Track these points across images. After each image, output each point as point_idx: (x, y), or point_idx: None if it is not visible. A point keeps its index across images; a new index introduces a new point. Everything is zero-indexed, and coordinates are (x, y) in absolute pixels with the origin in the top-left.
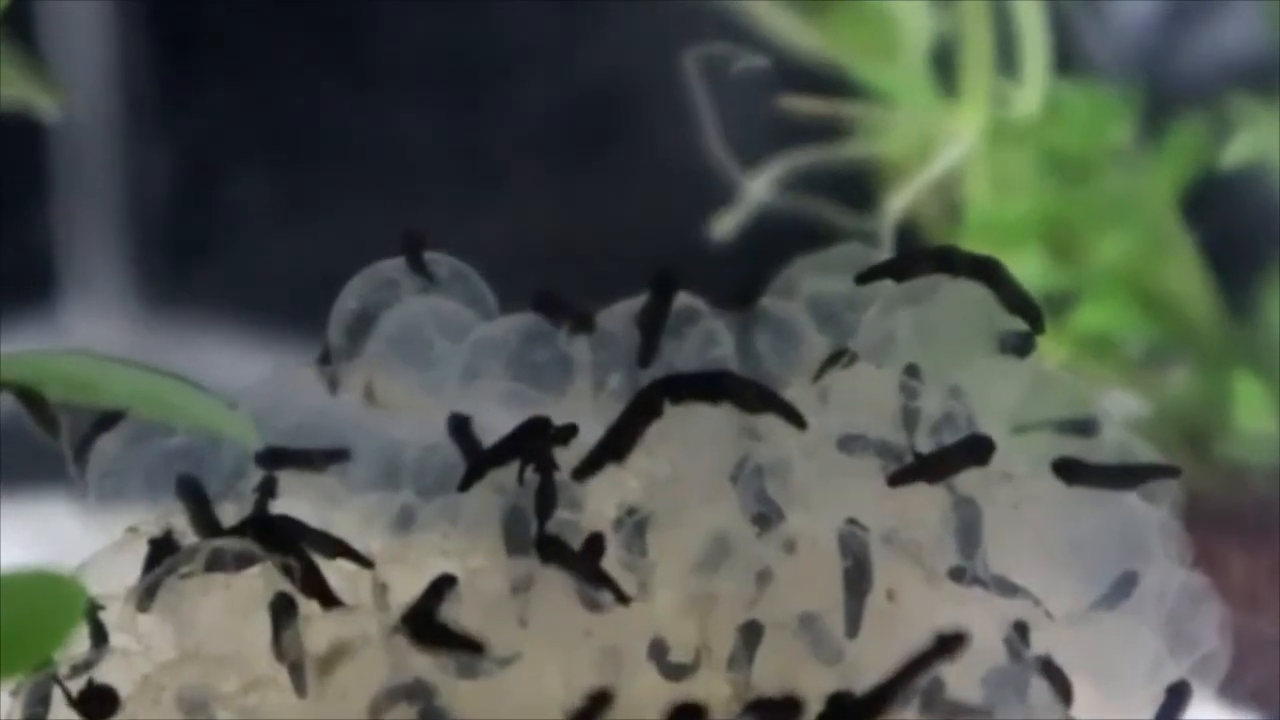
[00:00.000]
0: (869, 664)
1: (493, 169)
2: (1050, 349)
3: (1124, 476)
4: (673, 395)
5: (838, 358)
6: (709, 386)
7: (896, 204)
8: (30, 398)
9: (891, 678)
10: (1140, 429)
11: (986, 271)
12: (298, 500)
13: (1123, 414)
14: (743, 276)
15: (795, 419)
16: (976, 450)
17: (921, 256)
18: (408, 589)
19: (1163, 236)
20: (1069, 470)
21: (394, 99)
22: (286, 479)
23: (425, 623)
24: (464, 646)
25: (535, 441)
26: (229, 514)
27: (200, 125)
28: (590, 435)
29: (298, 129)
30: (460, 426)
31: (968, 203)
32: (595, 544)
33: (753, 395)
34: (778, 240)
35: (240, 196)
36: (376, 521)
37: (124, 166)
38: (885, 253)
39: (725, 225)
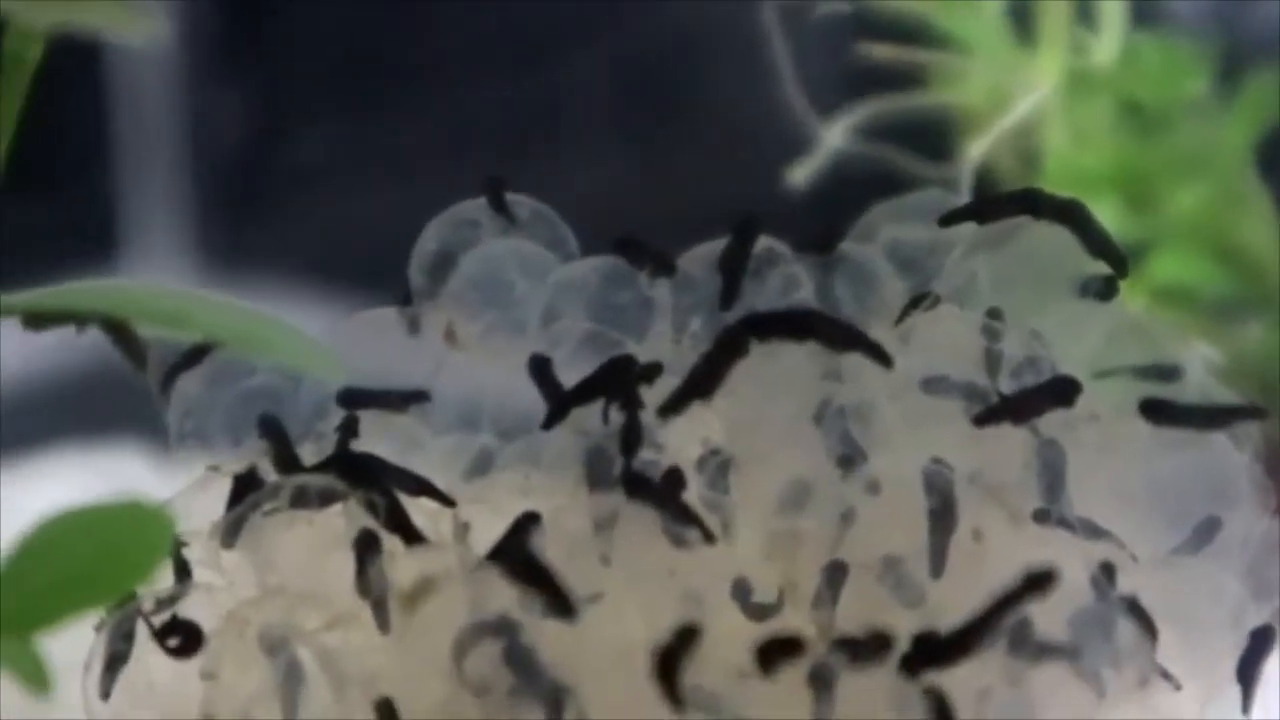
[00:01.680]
0: (952, 605)
1: (571, 120)
2: (1126, 299)
3: (1212, 417)
4: (759, 333)
5: (920, 300)
6: (795, 324)
7: (974, 151)
8: (118, 330)
9: (980, 616)
10: (1215, 379)
11: (1070, 215)
12: (377, 442)
13: (1200, 363)
14: (821, 224)
15: (881, 358)
16: (1062, 391)
17: (1005, 199)
18: (489, 529)
19: (1237, 189)
20: (1156, 411)
21: (468, 51)
22: (366, 420)
23: (514, 558)
24: (554, 583)
25: (620, 380)
26: (309, 454)
27: (265, 83)
28: (670, 378)
29: (367, 85)
30: (540, 367)
31: (1045, 152)
32: (676, 479)
33: (839, 333)
34: (855, 188)
35: (304, 154)
36: (456, 462)
37: (187, 123)
38: (964, 200)
39: (802, 173)
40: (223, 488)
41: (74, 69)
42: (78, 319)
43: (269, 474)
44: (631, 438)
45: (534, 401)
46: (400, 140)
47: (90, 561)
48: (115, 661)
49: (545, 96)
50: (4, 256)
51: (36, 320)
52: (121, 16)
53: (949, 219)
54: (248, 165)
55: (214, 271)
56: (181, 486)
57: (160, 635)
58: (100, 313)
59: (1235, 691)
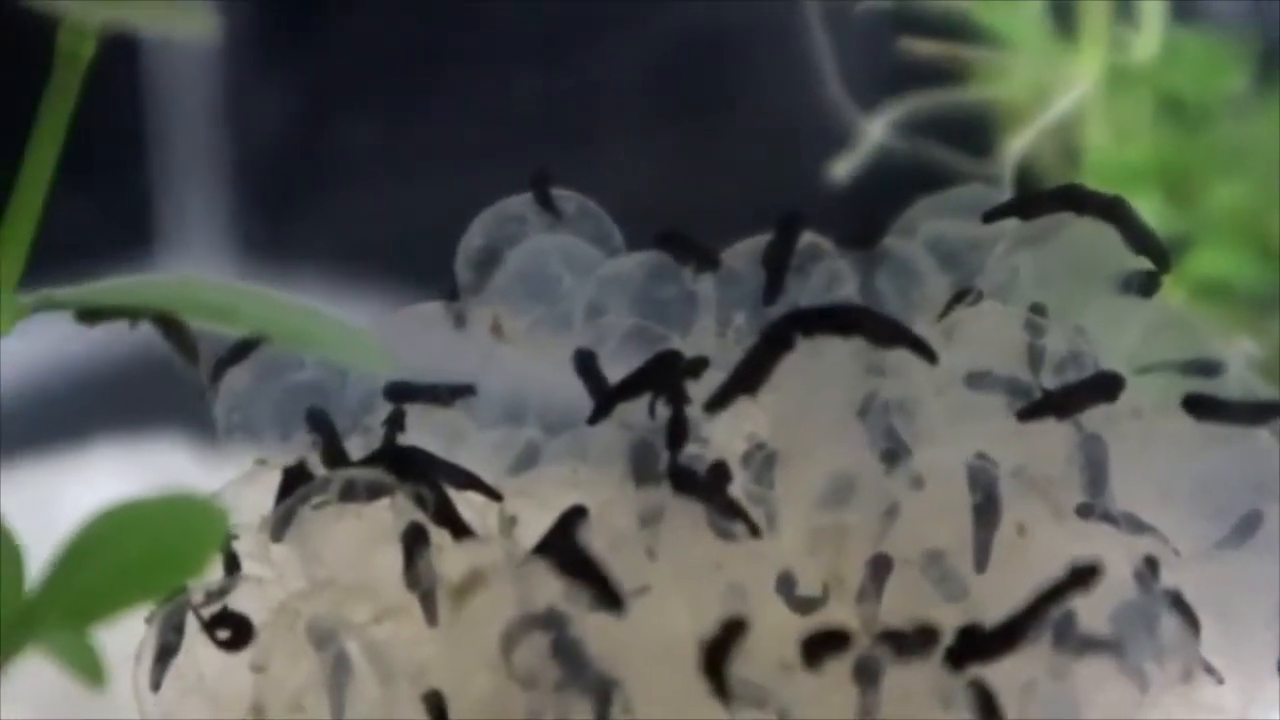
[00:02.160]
0: (996, 600)
1: (615, 116)
2: (1166, 293)
3: (1255, 413)
4: (804, 328)
5: (963, 296)
6: (841, 320)
7: (1016, 147)
8: (170, 324)
9: (1025, 609)
10: (1256, 374)
11: (1112, 210)
12: (423, 435)
13: (1240, 359)
14: (863, 219)
15: (927, 353)
16: (1105, 386)
17: (1048, 195)
18: (535, 523)
19: (1277, 183)
20: (1199, 406)
21: (511, 45)
22: (412, 414)
23: (562, 551)
24: (602, 576)
25: (667, 374)
26: (356, 448)
27: (306, 76)
28: (715, 373)
29: (409, 79)
30: (586, 362)
31: (1086, 147)
32: (721, 473)
33: (884, 329)
34: (897, 183)
35: (345, 148)
36: (502, 457)
37: (226, 117)
38: (1005, 195)
39: (844, 168)
40: (270, 481)
41: (113, 62)
42: (130, 314)
43: (317, 467)
44: (677, 432)
45: (579, 396)
46: (442, 135)
47: (144, 555)
48: (165, 653)
49: (589, 91)
50: (43, 250)
51: (90, 315)
52: (173, 14)
53: (992, 215)
54: (287, 159)
55: (253, 266)
56: (226, 480)
57: (210, 628)
58: (152, 307)
59: (1278, 685)
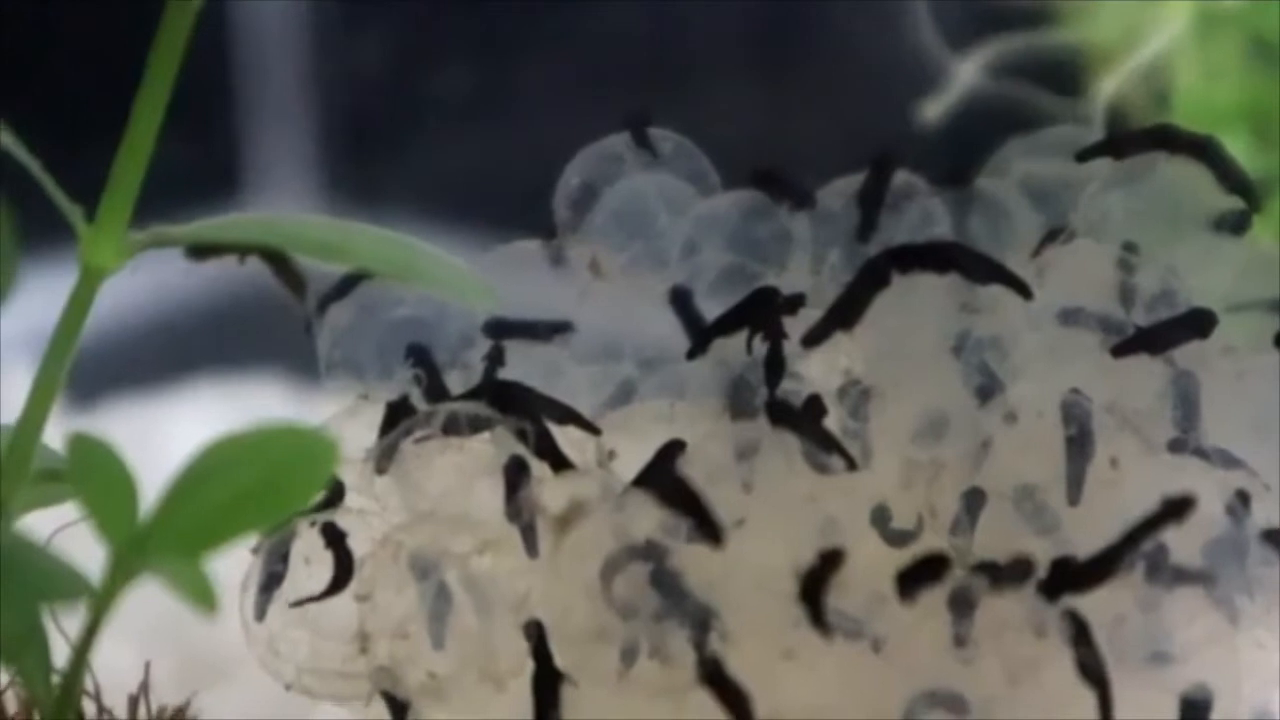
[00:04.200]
0: (1087, 533)
1: (710, 56)
2: (1256, 232)
3: None
4: (901, 265)
5: (1055, 235)
6: (937, 256)
7: (1106, 89)
8: (278, 261)
9: (1118, 541)
10: None
11: (1204, 150)
12: (521, 371)
13: None
14: (955, 159)
15: (1021, 288)
16: (1198, 322)
17: (1140, 134)
18: (632, 457)
19: None
20: None
21: None
22: (511, 350)
23: (663, 483)
24: (703, 507)
25: (764, 310)
26: (455, 383)
27: (393, 19)
28: (811, 310)
29: (500, 21)
30: (682, 300)
31: (1176, 89)
32: (817, 406)
33: (980, 266)
34: (989, 124)
35: (433, 92)
36: (599, 392)
37: (313, 61)
38: (1096, 136)
39: (935, 109)
40: (371, 416)
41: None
42: (239, 249)
43: (419, 402)
44: (775, 367)
45: (675, 333)
46: (534, 78)
47: (255, 484)
48: (271, 583)
49: (685, 31)
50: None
51: (201, 251)
52: None
53: (1085, 154)
54: (376, 104)
55: (340, 213)
56: (326, 416)
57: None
58: (261, 243)
59: None
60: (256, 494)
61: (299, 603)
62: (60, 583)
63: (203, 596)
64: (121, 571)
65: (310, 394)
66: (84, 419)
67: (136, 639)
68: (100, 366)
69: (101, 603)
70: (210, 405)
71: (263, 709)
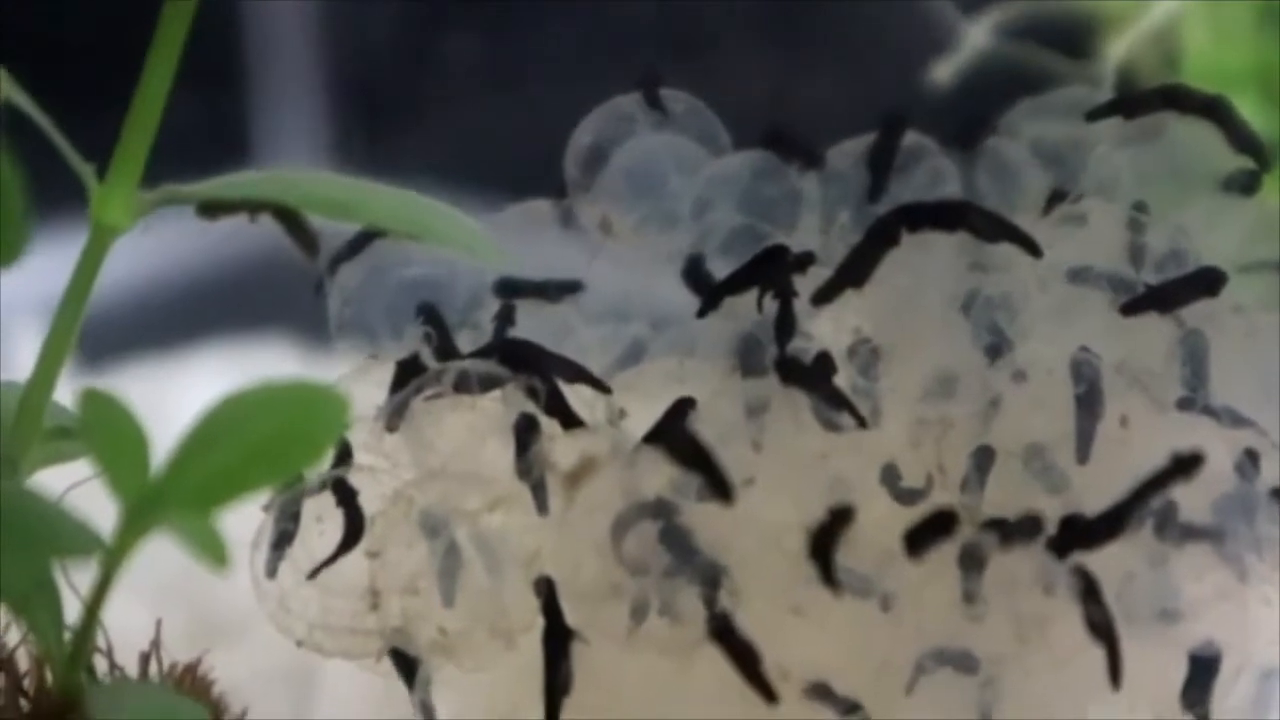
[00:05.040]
0: (1096, 491)
1: (721, 16)
2: (1266, 192)
3: None
4: (911, 223)
5: (1063, 195)
6: (947, 215)
7: (1117, 50)
8: (290, 219)
9: (1127, 497)
10: None
11: (1213, 110)
12: (532, 331)
13: None
14: (966, 120)
15: (1031, 248)
16: (1207, 281)
17: (1149, 94)
18: (642, 416)
19: None
20: None
21: None
22: (521, 310)
23: (674, 440)
24: (713, 464)
25: (774, 268)
26: (465, 343)
27: None
28: (821, 269)
29: None
30: (692, 259)
31: (1186, 51)
32: (826, 363)
33: (990, 224)
34: (999, 85)
35: (445, 61)
36: (609, 351)
37: (324, 30)
38: (1106, 98)
39: (946, 71)
40: (381, 376)
41: None
42: (251, 207)
43: (429, 361)
44: (785, 325)
45: (685, 293)
46: (545, 46)
47: (267, 439)
48: (282, 541)
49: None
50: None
51: (212, 209)
52: None
53: (1095, 114)
54: (387, 67)
55: (350, 175)
56: (336, 377)
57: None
58: (273, 201)
59: None
60: (268, 450)
61: (314, 572)
62: (72, 538)
63: (214, 552)
64: (133, 527)
65: (320, 357)
66: (95, 382)
67: (148, 598)
68: (111, 330)
69: (113, 558)
70: (221, 369)
71: (274, 666)
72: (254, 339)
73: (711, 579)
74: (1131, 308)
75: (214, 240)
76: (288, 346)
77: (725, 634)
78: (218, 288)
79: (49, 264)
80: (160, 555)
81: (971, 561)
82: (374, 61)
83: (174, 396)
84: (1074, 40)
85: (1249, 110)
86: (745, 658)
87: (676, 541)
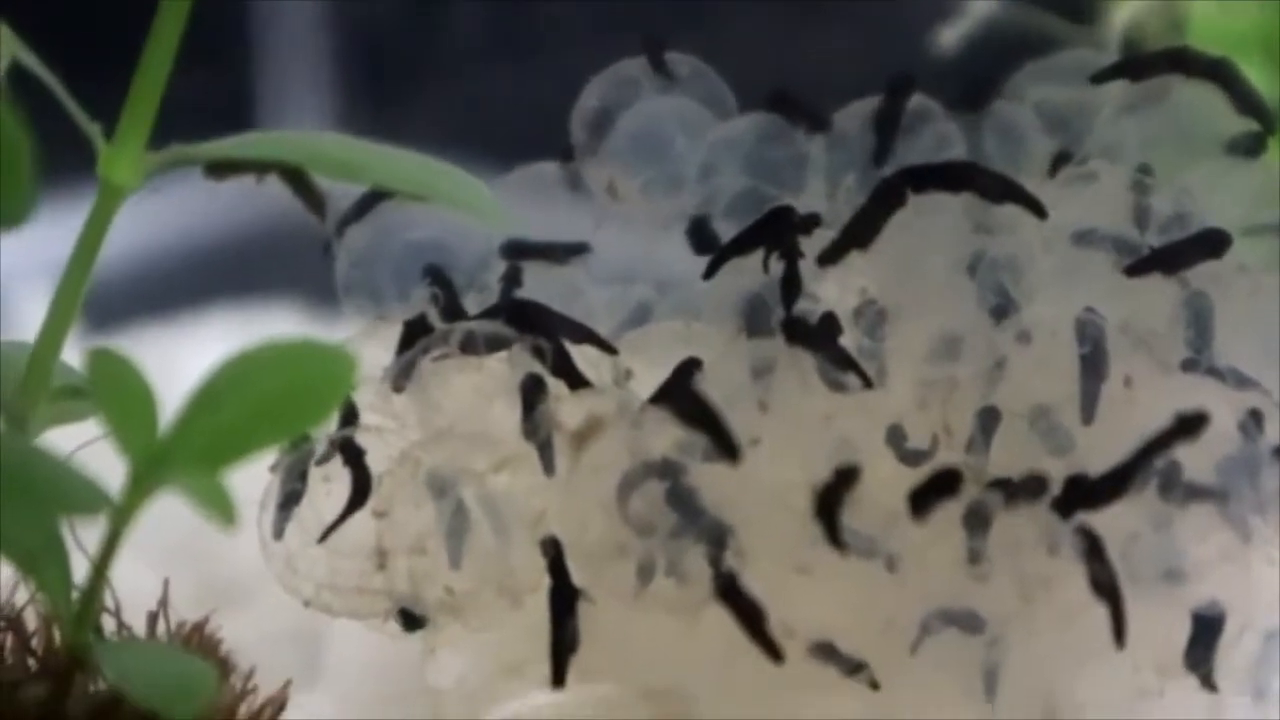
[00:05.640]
0: (1101, 452)
1: None
2: (1271, 155)
3: None
4: (916, 184)
5: (1068, 158)
6: (952, 176)
7: (1122, 14)
8: (297, 179)
9: (1132, 456)
10: None
11: (1218, 72)
12: (538, 293)
13: None
14: (972, 84)
15: (1036, 209)
16: (1212, 243)
17: (1155, 56)
18: (649, 377)
19: None
20: None
21: None
22: (528, 272)
23: (681, 400)
24: (719, 423)
25: (780, 229)
26: (471, 306)
27: None
28: (827, 232)
29: None
30: (698, 222)
31: (1192, 14)
32: (831, 324)
33: (995, 185)
34: (1005, 49)
35: (449, 27)
36: (616, 313)
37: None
38: (1112, 60)
39: (952, 35)
40: (388, 337)
41: None
42: (258, 167)
43: (437, 322)
44: (791, 286)
45: (691, 255)
46: (550, 15)
47: (274, 397)
48: (289, 501)
49: None
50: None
51: (219, 169)
52: None
53: (1100, 76)
54: (393, 33)
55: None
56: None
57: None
58: (280, 161)
59: None
60: (276, 408)
61: (324, 535)
62: (80, 495)
63: (222, 510)
64: (141, 485)
65: (327, 321)
66: None
67: (155, 559)
68: (118, 297)
69: (121, 516)
70: (227, 333)
71: (281, 629)
72: (260, 305)
73: (717, 539)
74: (1136, 269)
75: (220, 206)
76: (294, 312)
77: (731, 593)
78: (224, 254)
79: (54, 230)
80: (167, 518)
81: (976, 522)
82: (380, 27)
83: (181, 362)
84: (1079, 4)
85: (1254, 73)
86: (751, 617)
87: (682, 501)
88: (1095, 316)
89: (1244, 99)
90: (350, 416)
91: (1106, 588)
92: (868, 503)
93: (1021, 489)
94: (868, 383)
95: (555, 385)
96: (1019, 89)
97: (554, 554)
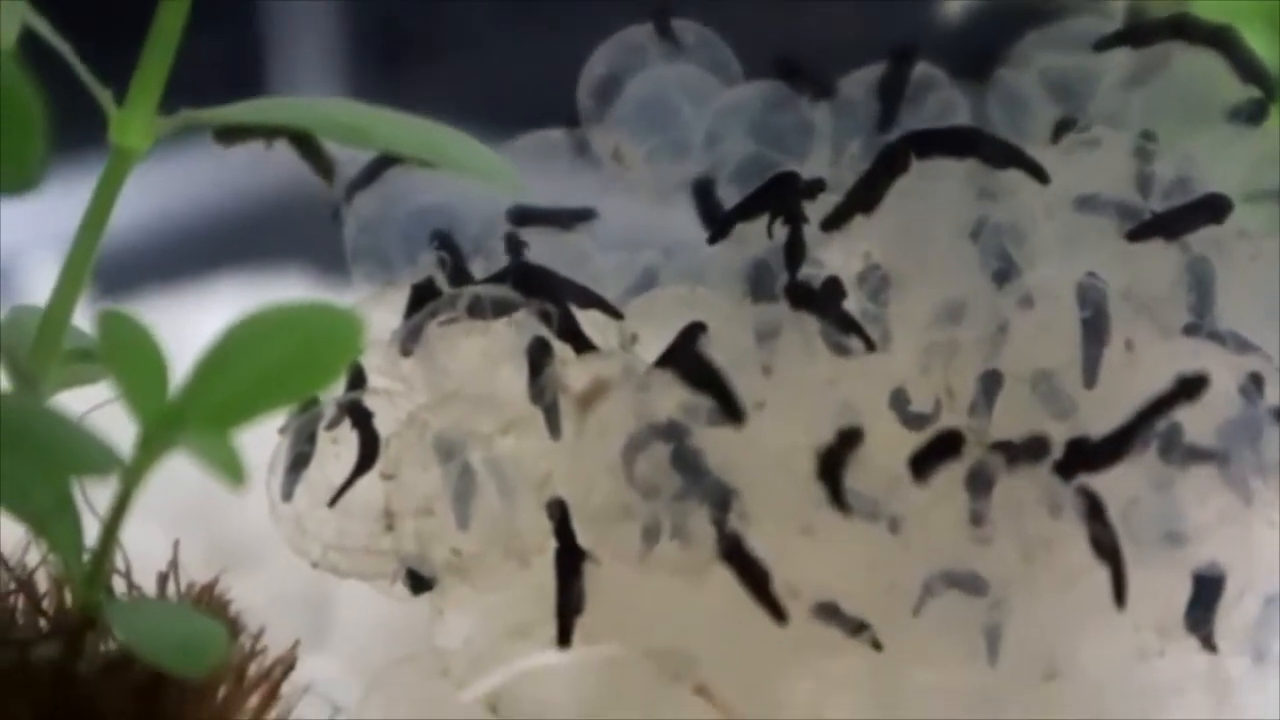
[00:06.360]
0: (1103, 415)
1: None
2: (1273, 121)
3: None
4: (920, 149)
5: (1071, 124)
6: (956, 141)
7: None
8: (306, 144)
9: (1133, 419)
10: None
11: (1221, 39)
12: (545, 258)
13: None
14: (973, 52)
15: (1039, 174)
16: (1213, 208)
17: (1157, 24)
18: (654, 342)
19: None
20: None
21: None
22: (535, 238)
23: (686, 362)
24: (724, 385)
25: (785, 194)
26: (478, 271)
27: None
28: (832, 197)
29: None
30: (703, 188)
31: None
32: (835, 289)
33: (999, 151)
34: (1010, 16)
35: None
36: (622, 278)
37: None
38: (1115, 28)
39: (955, 4)
40: (396, 302)
41: None
42: (267, 132)
43: (444, 286)
44: (796, 250)
45: (696, 221)
46: None
47: (284, 358)
48: (298, 463)
49: None
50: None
51: (228, 134)
52: None
53: (1103, 43)
54: (399, 7)
55: None
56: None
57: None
58: (289, 126)
59: None
60: (285, 369)
61: (334, 499)
62: (92, 456)
63: (232, 470)
64: (152, 446)
65: (336, 286)
66: None
67: (166, 521)
68: (127, 264)
69: (132, 477)
70: (237, 299)
71: (290, 591)
72: (269, 271)
73: (722, 501)
74: (1138, 234)
75: (230, 174)
76: (304, 277)
77: (735, 554)
78: (233, 220)
79: (64, 200)
80: (177, 480)
81: (978, 484)
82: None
83: (191, 328)
84: None
85: (1255, 40)
86: (755, 578)
87: (687, 464)
88: (1097, 281)
89: (1245, 66)
90: (358, 380)
91: (1108, 549)
92: (871, 465)
93: (1023, 451)
94: (871, 346)
95: (561, 349)
96: (1023, 56)
97: (560, 516)
